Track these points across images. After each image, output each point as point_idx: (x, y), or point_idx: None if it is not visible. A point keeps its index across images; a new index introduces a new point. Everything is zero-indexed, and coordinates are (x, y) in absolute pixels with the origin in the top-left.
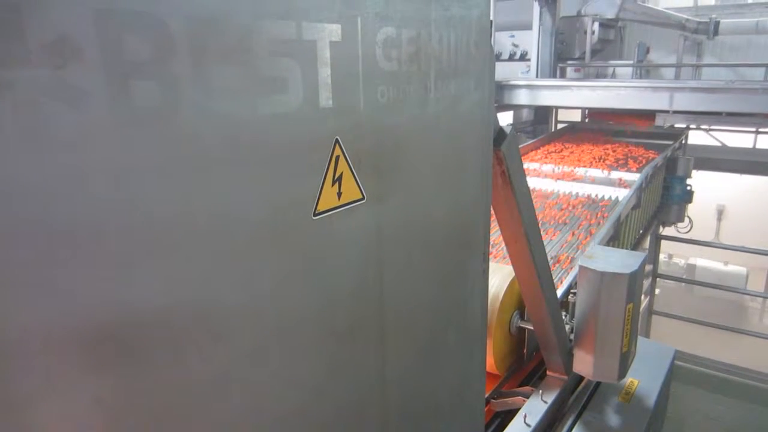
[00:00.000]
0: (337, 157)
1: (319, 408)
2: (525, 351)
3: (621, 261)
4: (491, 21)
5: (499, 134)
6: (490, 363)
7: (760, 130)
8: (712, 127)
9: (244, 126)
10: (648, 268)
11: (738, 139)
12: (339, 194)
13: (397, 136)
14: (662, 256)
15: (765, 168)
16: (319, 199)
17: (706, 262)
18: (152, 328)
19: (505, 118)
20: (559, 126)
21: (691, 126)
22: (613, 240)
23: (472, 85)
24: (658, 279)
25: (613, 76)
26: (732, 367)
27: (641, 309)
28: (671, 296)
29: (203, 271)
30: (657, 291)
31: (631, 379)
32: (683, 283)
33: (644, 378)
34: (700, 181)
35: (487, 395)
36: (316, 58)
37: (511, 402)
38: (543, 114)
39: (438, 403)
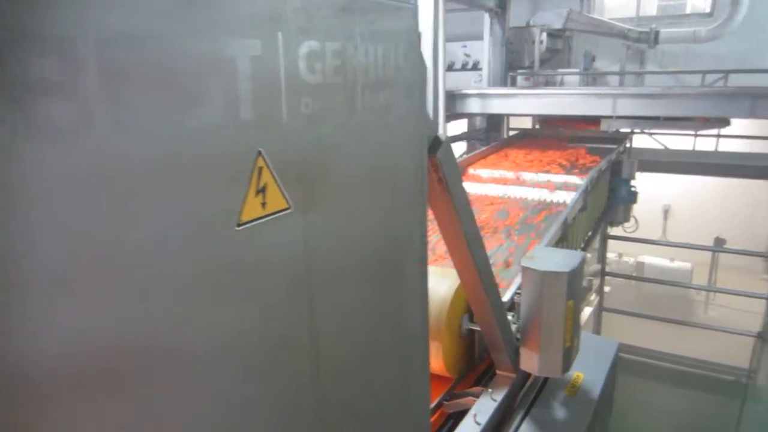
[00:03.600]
0: (260, 168)
1: (252, 423)
2: (476, 352)
3: (561, 260)
4: (420, 33)
5: (434, 142)
6: (441, 366)
7: (699, 132)
8: (654, 130)
9: (163, 141)
10: (597, 267)
11: (679, 141)
12: (263, 204)
13: (324, 146)
14: (612, 255)
15: (704, 168)
16: (242, 209)
17: (653, 259)
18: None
19: (459, 127)
20: (511, 133)
21: (635, 130)
22: (562, 241)
23: (401, 96)
24: (607, 277)
25: (562, 84)
26: (679, 357)
27: (593, 307)
28: (622, 293)
29: (123, 290)
30: (607, 289)
31: (576, 373)
32: (633, 280)
33: (589, 371)
34: (647, 182)
35: (439, 398)
36: (236, 72)
37: (462, 403)
38: (496, 122)
39: (379, 409)
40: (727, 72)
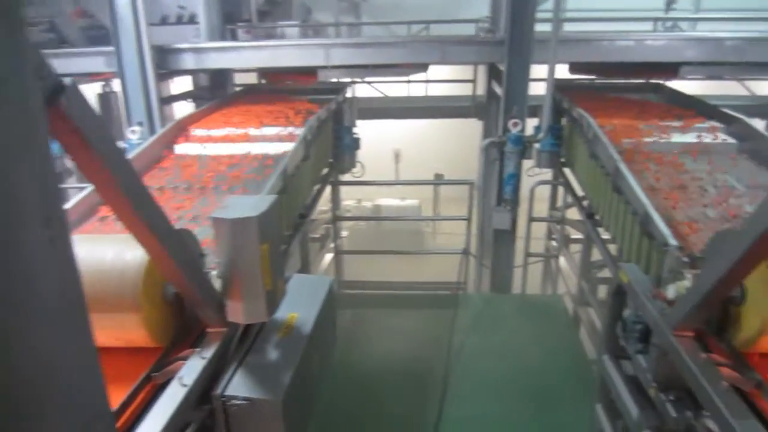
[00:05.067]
0: None
1: None
2: (188, 315)
3: (251, 206)
4: None
5: (55, 90)
6: (146, 337)
7: (411, 79)
8: (370, 79)
9: None
10: (329, 214)
11: (395, 89)
12: None
13: None
14: (352, 202)
15: (419, 112)
16: None
17: (388, 200)
18: None
19: (183, 85)
20: (237, 90)
21: (356, 80)
22: (284, 192)
23: None
24: (349, 222)
25: (283, 37)
26: (409, 283)
27: (332, 252)
28: (364, 235)
29: None
30: (345, 233)
31: (291, 314)
32: (374, 222)
33: (302, 310)
34: (378, 130)
35: (147, 371)
36: None
37: (172, 370)
38: (220, 79)
39: (28, 393)
40: (428, 22)
